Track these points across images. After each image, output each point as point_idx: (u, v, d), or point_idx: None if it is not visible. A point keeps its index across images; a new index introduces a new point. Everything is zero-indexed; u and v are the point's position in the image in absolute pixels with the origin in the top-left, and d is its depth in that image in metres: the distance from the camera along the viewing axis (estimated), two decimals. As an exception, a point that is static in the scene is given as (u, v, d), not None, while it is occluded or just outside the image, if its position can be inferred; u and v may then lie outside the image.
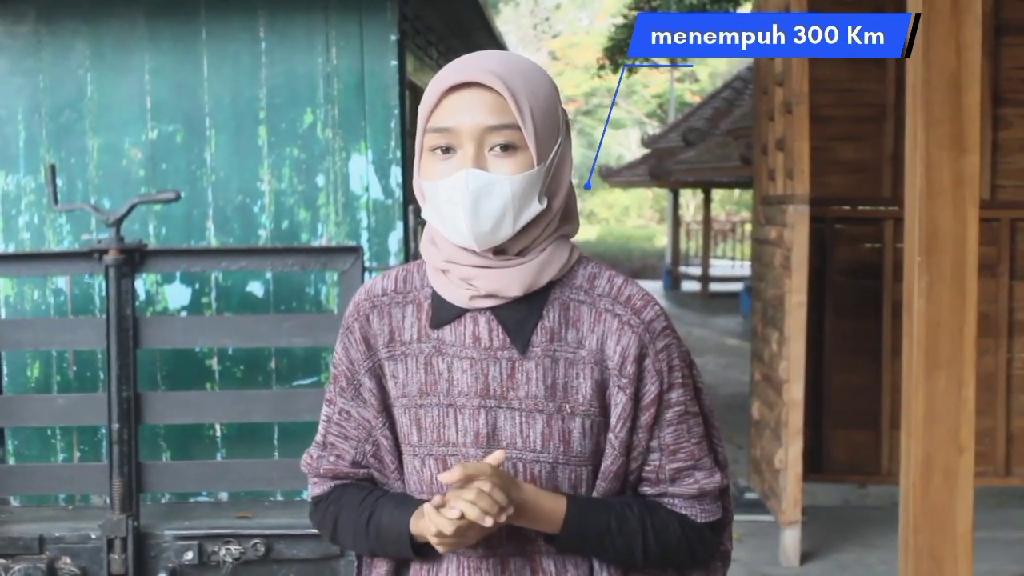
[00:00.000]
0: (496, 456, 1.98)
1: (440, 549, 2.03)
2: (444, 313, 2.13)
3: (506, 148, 2.03)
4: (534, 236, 2.09)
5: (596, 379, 2.10)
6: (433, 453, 2.12)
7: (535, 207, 2.06)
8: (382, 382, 2.18)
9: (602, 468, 2.12)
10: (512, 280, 2.07)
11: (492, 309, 2.10)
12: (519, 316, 2.10)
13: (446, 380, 2.12)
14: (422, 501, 2.09)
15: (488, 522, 1.94)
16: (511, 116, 2.02)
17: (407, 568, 2.22)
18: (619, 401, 2.09)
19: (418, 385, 2.14)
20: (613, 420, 2.10)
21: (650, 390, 2.10)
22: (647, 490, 2.17)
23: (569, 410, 2.08)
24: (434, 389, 2.12)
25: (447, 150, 2.05)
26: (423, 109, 2.07)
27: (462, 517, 1.94)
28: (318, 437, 2.28)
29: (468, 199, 2.00)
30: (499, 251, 2.08)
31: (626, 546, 2.10)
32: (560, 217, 2.14)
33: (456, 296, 2.11)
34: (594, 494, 2.13)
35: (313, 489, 2.29)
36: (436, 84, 2.06)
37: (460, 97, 2.03)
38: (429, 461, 2.12)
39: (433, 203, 2.08)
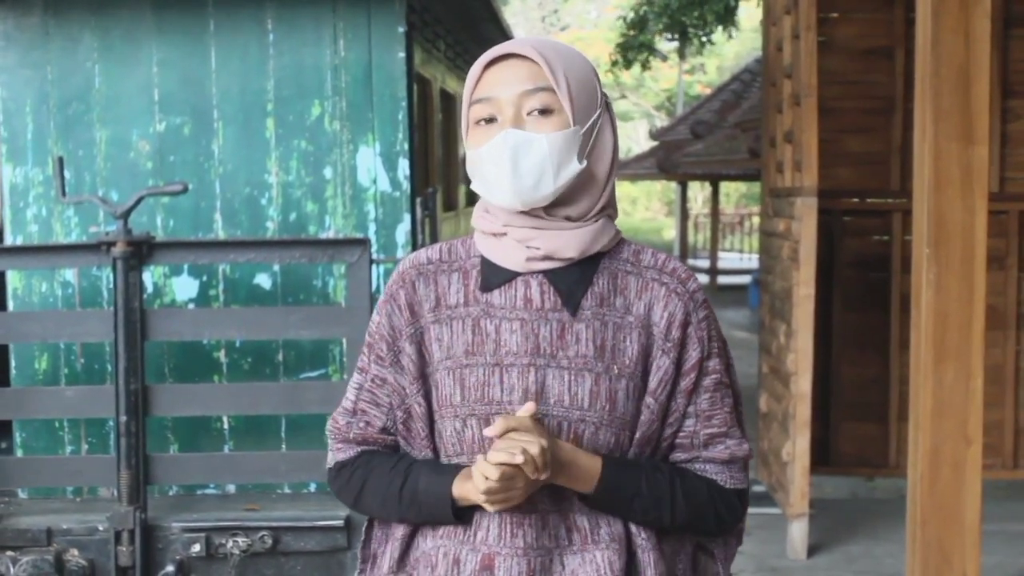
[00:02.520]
0: (528, 407, 2.05)
1: (489, 507, 2.07)
2: (494, 278, 2.22)
3: (543, 112, 2.15)
4: (585, 205, 2.20)
5: (642, 343, 2.19)
6: (476, 412, 2.17)
7: (574, 166, 2.15)
8: (422, 348, 2.25)
9: (638, 433, 2.20)
10: (569, 242, 2.18)
11: (545, 273, 2.19)
12: (571, 280, 2.19)
13: (493, 341, 2.19)
14: (458, 466, 2.17)
15: (528, 467, 2.00)
16: (546, 80, 2.14)
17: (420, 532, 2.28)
18: (662, 364, 2.19)
19: (464, 346, 2.20)
20: (654, 384, 2.19)
21: (691, 355, 2.21)
22: (680, 456, 2.26)
23: (617, 371, 2.15)
24: (481, 349, 2.19)
25: (490, 120, 2.17)
26: (467, 87, 2.21)
27: (507, 465, 2.00)
28: (347, 404, 2.33)
29: (507, 156, 2.12)
30: (552, 215, 2.18)
31: (655, 508, 2.18)
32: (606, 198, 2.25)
33: (511, 260, 2.20)
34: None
35: (337, 455, 2.34)
36: (478, 62, 2.19)
37: (498, 69, 2.17)
38: (471, 421, 2.18)
39: (479, 171, 2.19)
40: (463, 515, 2.18)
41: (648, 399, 2.19)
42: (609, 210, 2.24)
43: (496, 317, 2.19)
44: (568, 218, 2.18)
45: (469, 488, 2.10)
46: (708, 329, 2.23)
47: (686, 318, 2.20)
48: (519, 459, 1.98)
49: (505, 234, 2.20)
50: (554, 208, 2.17)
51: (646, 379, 2.19)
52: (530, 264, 2.18)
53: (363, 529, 2.38)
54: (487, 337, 2.19)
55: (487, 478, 2.00)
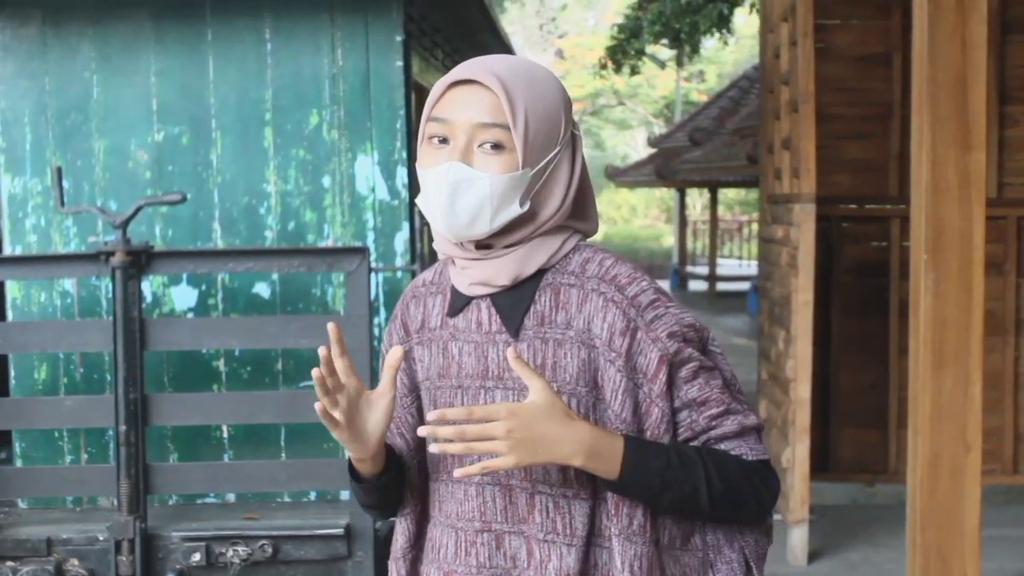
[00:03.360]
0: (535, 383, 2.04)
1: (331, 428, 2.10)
2: (457, 302, 2.23)
3: (495, 147, 2.10)
4: (519, 237, 2.16)
5: (583, 358, 2.14)
6: (438, 434, 2.15)
7: (514, 209, 2.11)
8: (412, 365, 2.30)
9: None
10: (499, 271, 2.16)
11: (491, 296, 2.19)
12: (512, 302, 2.17)
13: (457, 363, 2.21)
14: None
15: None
16: (503, 117, 2.09)
17: (421, 544, 2.31)
18: (611, 375, 2.12)
19: (437, 369, 2.24)
20: (608, 395, 2.13)
21: (651, 359, 2.12)
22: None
23: (556, 389, 2.08)
24: (448, 372, 2.22)
25: (443, 141, 2.13)
26: (429, 100, 2.17)
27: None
28: None
29: (446, 191, 2.09)
30: (483, 246, 2.16)
31: (689, 480, 2.09)
32: (571, 215, 2.20)
33: (461, 285, 2.21)
34: None
35: None
36: (444, 78, 2.16)
37: (460, 92, 2.12)
38: (433, 442, 2.17)
39: (424, 191, 2.16)
40: (357, 475, 2.23)
41: (609, 412, 2.13)
42: (576, 224, 2.21)
43: (459, 340, 2.21)
44: (508, 246, 2.16)
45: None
46: (665, 328, 2.13)
47: (628, 325, 2.11)
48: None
49: (455, 261, 2.21)
50: (488, 239, 2.15)
51: (597, 394, 2.15)
52: (472, 289, 2.19)
53: None
54: (452, 360, 2.21)
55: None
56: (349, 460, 2.22)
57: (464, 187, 2.08)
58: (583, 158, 2.24)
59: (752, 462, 2.16)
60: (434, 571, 2.23)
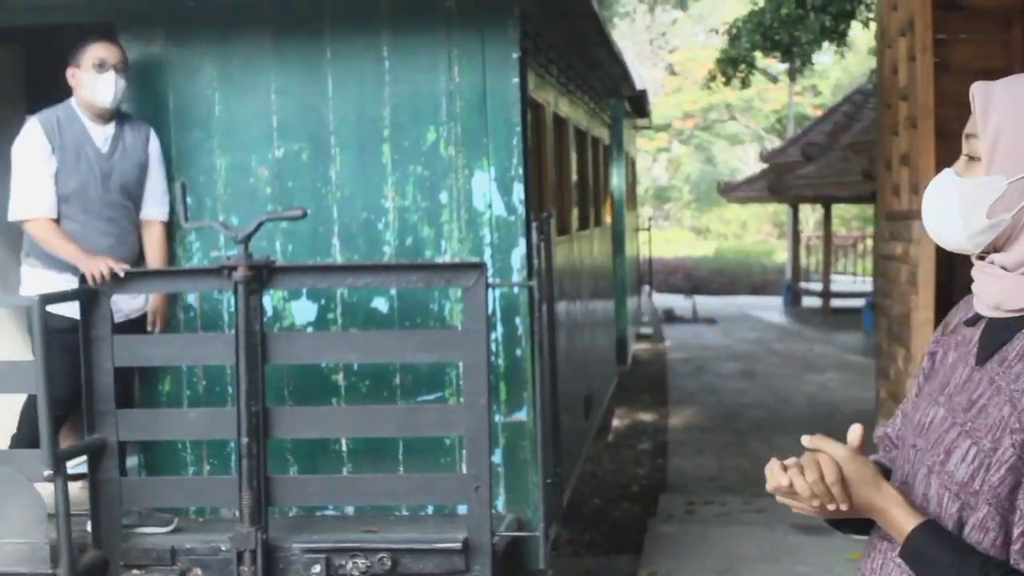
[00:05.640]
0: (855, 432, 2.17)
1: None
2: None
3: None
4: None
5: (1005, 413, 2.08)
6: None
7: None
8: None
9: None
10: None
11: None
12: (996, 331, 2.25)
13: (941, 374, 2.39)
14: None
15: (796, 503, 2.09)
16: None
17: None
18: (1005, 444, 2.03)
19: (931, 375, 2.43)
20: (994, 460, 2.04)
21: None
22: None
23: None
24: (933, 380, 2.44)
25: None
26: None
27: (790, 485, 2.08)
28: None
29: None
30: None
31: None
32: None
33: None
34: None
35: None
36: None
37: None
38: None
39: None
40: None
41: (985, 475, 2.05)
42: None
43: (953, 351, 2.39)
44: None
45: None
46: None
47: None
48: (769, 485, 2.09)
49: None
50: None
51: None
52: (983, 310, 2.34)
53: None
54: (942, 368, 2.41)
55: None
56: None
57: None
58: None
59: None
60: None
